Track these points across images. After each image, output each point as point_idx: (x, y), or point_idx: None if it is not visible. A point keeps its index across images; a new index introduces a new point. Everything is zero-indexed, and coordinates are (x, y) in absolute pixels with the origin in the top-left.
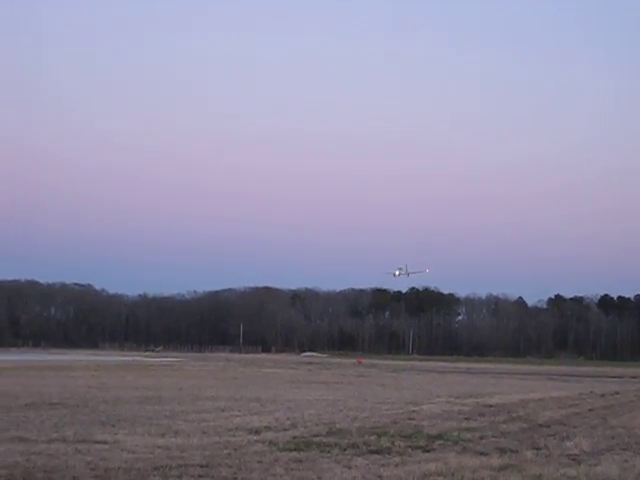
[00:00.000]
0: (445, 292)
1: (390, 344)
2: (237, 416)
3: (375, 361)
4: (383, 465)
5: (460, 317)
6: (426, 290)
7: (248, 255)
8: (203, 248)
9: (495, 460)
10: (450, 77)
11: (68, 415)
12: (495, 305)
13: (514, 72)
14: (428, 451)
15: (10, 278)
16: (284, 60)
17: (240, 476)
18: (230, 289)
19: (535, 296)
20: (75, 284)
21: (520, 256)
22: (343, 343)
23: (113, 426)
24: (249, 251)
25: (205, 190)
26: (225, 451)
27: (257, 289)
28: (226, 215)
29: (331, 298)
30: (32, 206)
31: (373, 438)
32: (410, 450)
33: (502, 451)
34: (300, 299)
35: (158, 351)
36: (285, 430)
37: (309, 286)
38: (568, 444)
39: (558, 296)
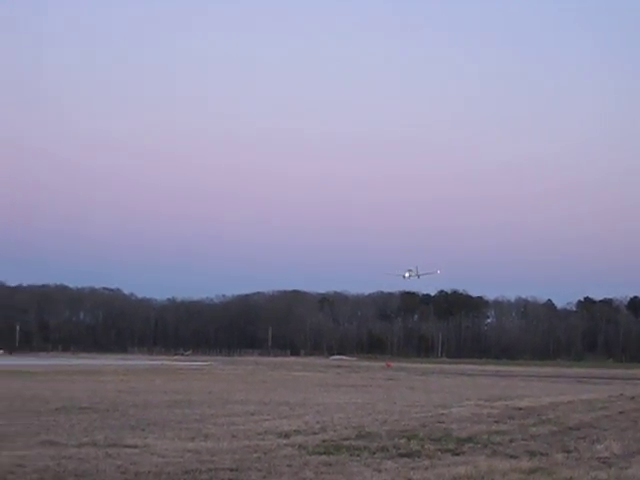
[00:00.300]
0: (474, 295)
1: (419, 347)
2: (266, 420)
3: (404, 364)
4: (413, 468)
5: (489, 320)
6: (455, 293)
7: (277, 259)
8: (232, 252)
9: (525, 463)
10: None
11: (98, 419)
12: (524, 308)
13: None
14: (458, 454)
15: (39, 283)
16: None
17: None
18: (259, 293)
19: (564, 298)
20: (104, 288)
21: (549, 258)
22: (372, 346)
23: (143, 430)
24: (278, 255)
25: (236, 195)
26: (255, 455)
27: (286, 293)
28: (255, 219)
29: (360, 301)
30: (62, 212)
31: (403, 441)
32: (440, 453)
33: (532, 454)
34: (329, 302)
35: (187, 355)
36: (314, 434)
37: (337, 289)
38: (598, 447)
39: (587, 298)
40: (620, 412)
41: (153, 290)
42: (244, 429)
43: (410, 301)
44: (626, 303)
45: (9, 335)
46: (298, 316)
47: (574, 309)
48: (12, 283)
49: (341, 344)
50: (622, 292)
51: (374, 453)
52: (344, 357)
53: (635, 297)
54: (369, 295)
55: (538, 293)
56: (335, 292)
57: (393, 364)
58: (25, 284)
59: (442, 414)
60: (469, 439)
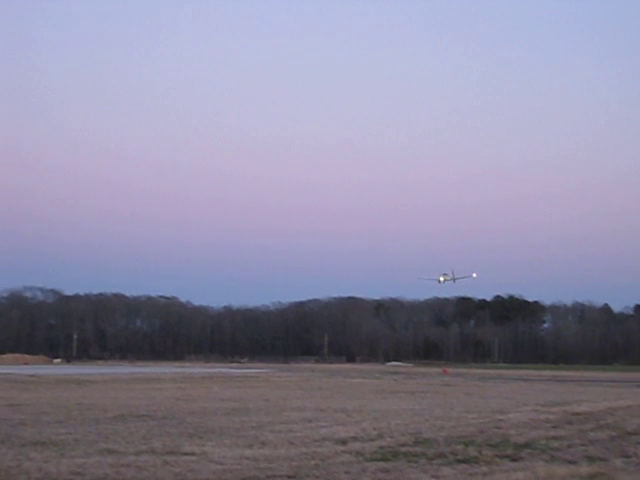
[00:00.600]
0: (530, 300)
1: (475, 353)
2: (323, 427)
3: (460, 370)
4: (470, 474)
5: (546, 325)
6: (511, 298)
7: (332, 266)
8: (287, 260)
9: (584, 469)
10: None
11: (156, 427)
12: (581, 312)
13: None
14: (516, 460)
15: (96, 292)
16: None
17: None
18: (314, 300)
19: (621, 302)
20: (160, 296)
21: (606, 262)
22: (428, 352)
23: (200, 438)
24: (333, 262)
25: (291, 205)
26: (312, 462)
27: (341, 299)
28: (310, 228)
29: (415, 307)
30: (121, 224)
31: (460, 447)
32: (497, 459)
33: (591, 459)
34: (384, 309)
35: (243, 362)
36: (372, 440)
37: (393, 295)
38: None
39: None
40: None
41: (209, 298)
42: (301, 436)
43: (466, 306)
44: None
45: (67, 344)
46: (354, 323)
47: (631, 313)
48: (69, 292)
49: (397, 350)
50: None
51: (431, 459)
52: (400, 363)
53: None
54: (425, 301)
55: (595, 297)
56: (391, 298)
57: (449, 370)
58: (82, 293)
59: (499, 420)
60: (527, 445)
